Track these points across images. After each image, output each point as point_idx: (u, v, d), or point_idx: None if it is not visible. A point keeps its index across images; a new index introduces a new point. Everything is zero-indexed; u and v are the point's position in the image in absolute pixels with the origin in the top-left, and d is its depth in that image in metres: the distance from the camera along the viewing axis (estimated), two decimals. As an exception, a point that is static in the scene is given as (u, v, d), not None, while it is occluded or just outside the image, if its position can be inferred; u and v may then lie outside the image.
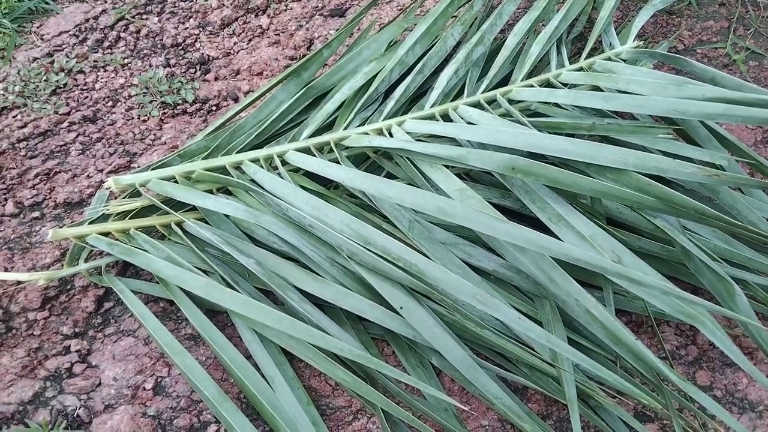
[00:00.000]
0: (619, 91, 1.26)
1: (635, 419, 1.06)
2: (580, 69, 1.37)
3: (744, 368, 0.98)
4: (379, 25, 1.77)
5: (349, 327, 1.16)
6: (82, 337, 1.21)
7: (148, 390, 1.14)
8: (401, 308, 1.06)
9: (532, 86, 1.34)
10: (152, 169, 1.25)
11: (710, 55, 1.75)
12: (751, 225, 1.18)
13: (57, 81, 1.69)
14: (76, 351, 1.18)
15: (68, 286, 1.27)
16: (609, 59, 1.38)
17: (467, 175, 1.29)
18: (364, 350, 1.09)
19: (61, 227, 1.24)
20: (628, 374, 1.09)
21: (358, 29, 1.77)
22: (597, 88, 1.31)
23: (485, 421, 1.12)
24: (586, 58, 1.41)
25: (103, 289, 1.27)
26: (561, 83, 1.35)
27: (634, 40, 1.42)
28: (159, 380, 1.15)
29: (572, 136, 1.21)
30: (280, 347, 1.13)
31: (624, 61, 1.39)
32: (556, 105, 1.32)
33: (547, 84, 1.36)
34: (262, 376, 1.09)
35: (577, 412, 0.98)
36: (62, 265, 1.26)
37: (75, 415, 1.10)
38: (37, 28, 1.86)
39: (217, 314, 1.21)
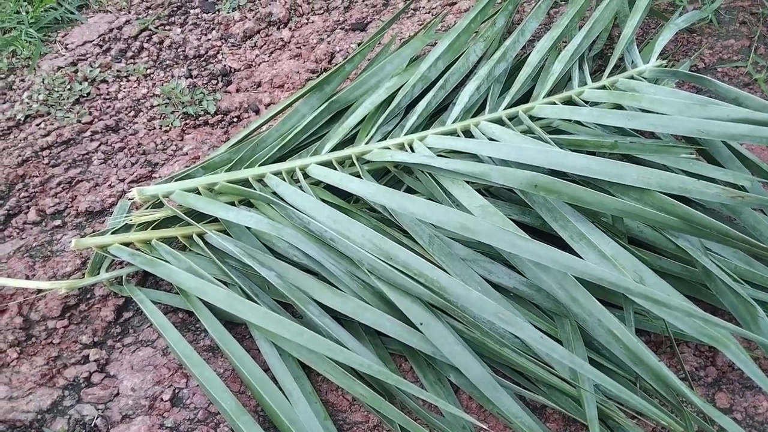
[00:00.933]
0: (642, 110, 1.25)
1: (655, 441, 1.05)
2: (603, 87, 1.37)
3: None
4: (400, 39, 1.77)
5: (368, 342, 1.16)
6: (101, 346, 1.22)
7: (166, 401, 1.14)
8: (421, 324, 1.06)
9: (554, 103, 1.34)
10: (175, 181, 1.26)
11: (731, 74, 1.74)
12: (774, 247, 1.17)
13: (80, 90, 1.71)
14: (95, 360, 1.19)
15: (88, 295, 1.28)
16: (632, 78, 1.38)
17: (487, 191, 1.29)
18: (383, 365, 1.09)
19: (83, 236, 1.25)
20: (648, 395, 1.08)
21: (380, 44, 1.78)
22: (619, 107, 1.31)
23: (503, 439, 1.11)
24: (608, 76, 1.41)
25: (123, 299, 1.27)
26: (583, 101, 1.35)
27: (657, 59, 1.42)
28: (177, 391, 1.16)
29: (593, 154, 1.21)
30: (298, 361, 1.13)
31: (646, 79, 1.38)
32: (578, 123, 1.32)
33: (570, 101, 1.36)
34: (280, 389, 1.09)
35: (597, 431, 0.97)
36: (83, 274, 1.27)
37: (93, 425, 1.10)
38: (62, 37, 1.89)
39: (236, 326, 1.22)
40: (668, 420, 1.01)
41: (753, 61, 1.75)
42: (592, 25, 1.47)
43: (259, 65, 1.81)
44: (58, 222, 1.42)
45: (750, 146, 1.53)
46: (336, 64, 1.49)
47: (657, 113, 1.22)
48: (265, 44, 1.87)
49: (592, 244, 1.09)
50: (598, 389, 1.07)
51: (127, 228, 1.25)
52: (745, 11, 1.89)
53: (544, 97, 1.38)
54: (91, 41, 1.87)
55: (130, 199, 1.25)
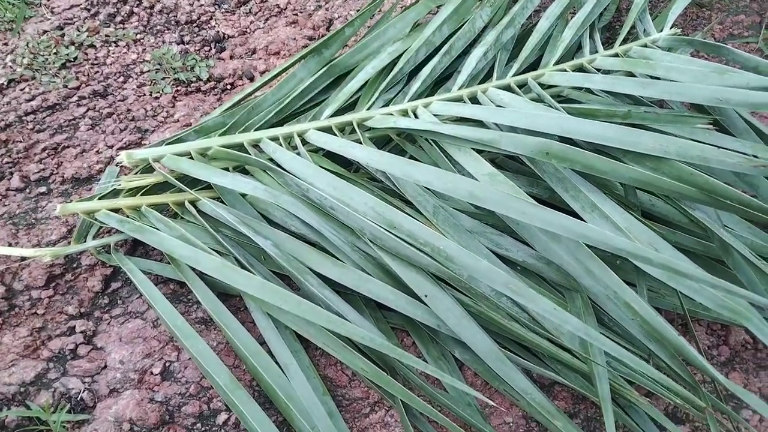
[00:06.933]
0: (657, 79, 1.20)
1: (668, 419, 1.00)
2: (616, 55, 1.32)
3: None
4: (402, 7, 1.71)
5: (369, 316, 1.11)
6: (88, 317, 1.16)
7: (156, 374, 1.08)
8: (426, 296, 1.01)
9: (565, 71, 1.28)
10: (166, 144, 1.20)
11: (742, 50, 1.69)
12: (792, 221, 1.12)
13: (67, 54, 1.63)
14: (81, 332, 1.13)
15: (75, 265, 1.22)
16: (645, 46, 1.33)
17: (493, 162, 1.23)
18: (385, 339, 1.03)
19: (70, 202, 1.18)
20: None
21: (380, 11, 1.71)
22: (632, 75, 1.25)
23: (509, 417, 1.06)
24: (620, 44, 1.35)
25: (111, 269, 1.21)
26: (595, 69, 1.29)
27: (671, 28, 1.37)
28: (167, 365, 1.10)
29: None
30: (295, 334, 1.08)
31: (660, 48, 1.33)
32: (589, 91, 1.26)
33: (581, 69, 1.31)
34: (277, 363, 1.04)
35: (611, 409, 0.93)
36: (69, 242, 1.21)
37: (79, 399, 1.05)
38: (47, 1, 1.80)
39: (230, 298, 1.16)
40: (686, 397, 0.96)
41: (764, 37, 1.70)
42: (603, -8, 1.41)
43: (254, 32, 1.74)
44: (42, 189, 1.35)
45: (763, 119, 1.49)
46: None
47: (673, 81, 1.17)
48: (260, 11, 1.80)
49: (605, 215, 1.04)
50: (609, 367, 1.03)
51: (115, 194, 1.19)
52: (755, -14, 1.84)
53: (553, 65, 1.32)
54: (79, 5, 1.79)
55: (118, 163, 1.19)
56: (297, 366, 1.04)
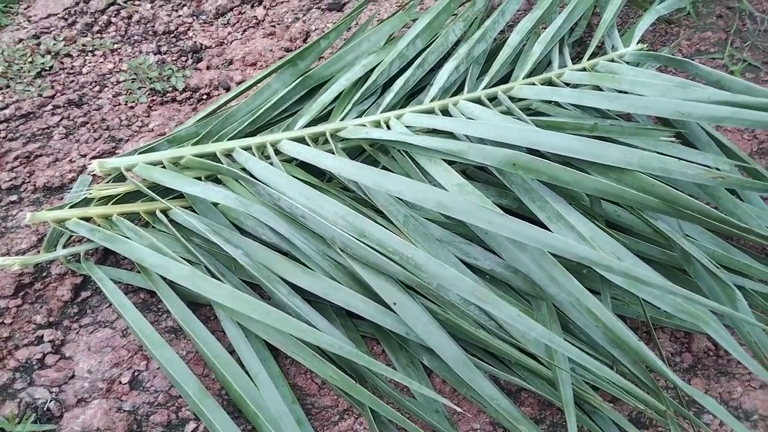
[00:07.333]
0: (623, 92, 1.23)
1: (632, 424, 1.02)
2: (583, 69, 1.35)
3: (750, 367, 0.95)
4: (378, 20, 1.73)
5: (339, 324, 1.12)
6: (57, 327, 1.16)
7: (125, 384, 1.08)
8: (395, 304, 1.02)
9: (534, 84, 1.31)
10: (139, 154, 1.20)
11: (708, 65, 1.73)
12: (751, 231, 1.15)
13: (43, 63, 1.63)
14: (50, 341, 1.12)
15: (44, 274, 1.21)
16: (612, 61, 1.36)
17: (463, 172, 1.26)
18: (354, 347, 1.04)
19: (40, 211, 1.18)
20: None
21: (356, 24, 1.74)
22: (599, 89, 1.28)
23: (476, 424, 1.07)
24: (588, 59, 1.39)
25: (81, 278, 1.21)
26: (563, 83, 1.32)
27: (637, 44, 1.40)
28: (136, 374, 1.10)
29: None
30: (265, 342, 1.08)
31: (627, 63, 1.36)
32: (557, 104, 1.29)
33: (550, 83, 1.33)
34: (246, 372, 1.04)
35: (573, 414, 0.94)
36: (39, 251, 1.20)
37: (45, 409, 1.04)
38: (25, 9, 1.80)
39: (200, 307, 1.16)
40: (648, 402, 0.99)
41: (729, 54, 1.75)
42: (573, 7, 1.44)
43: (231, 43, 1.75)
44: (14, 197, 1.34)
45: (726, 133, 1.53)
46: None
47: (638, 95, 1.20)
48: (238, 22, 1.81)
49: (570, 225, 1.07)
50: (574, 374, 1.05)
51: (86, 202, 1.19)
52: (721, 5, 1.90)
53: (523, 79, 1.35)
54: (56, 14, 1.79)
55: (90, 172, 1.19)
56: (266, 374, 1.05)
